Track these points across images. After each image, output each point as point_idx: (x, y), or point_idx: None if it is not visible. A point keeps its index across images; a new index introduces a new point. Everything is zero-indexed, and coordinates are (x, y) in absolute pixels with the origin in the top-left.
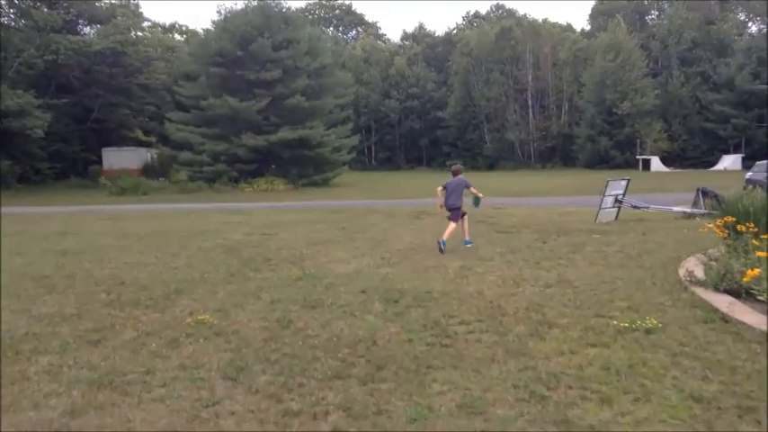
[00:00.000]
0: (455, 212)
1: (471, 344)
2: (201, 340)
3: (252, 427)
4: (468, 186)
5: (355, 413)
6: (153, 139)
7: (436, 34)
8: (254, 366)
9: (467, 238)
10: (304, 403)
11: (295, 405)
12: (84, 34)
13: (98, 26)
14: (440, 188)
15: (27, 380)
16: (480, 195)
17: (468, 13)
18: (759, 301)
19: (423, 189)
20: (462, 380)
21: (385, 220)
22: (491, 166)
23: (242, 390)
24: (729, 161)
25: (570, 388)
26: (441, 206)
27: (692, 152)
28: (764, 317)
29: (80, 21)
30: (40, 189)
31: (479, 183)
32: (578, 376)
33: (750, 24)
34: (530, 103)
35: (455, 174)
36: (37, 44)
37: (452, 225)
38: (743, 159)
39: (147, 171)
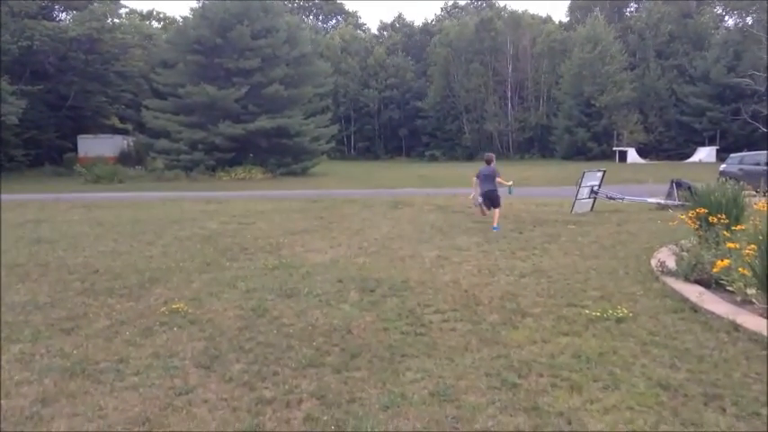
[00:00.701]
0: (494, 197)
1: (445, 332)
2: (176, 329)
3: (225, 414)
4: (495, 176)
5: (329, 401)
6: (129, 126)
7: (415, 24)
8: (228, 355)
9: (495, 224)
10: (277, 391)
11: (268, 393)
12: (60, 20)
13: (74, 12)
14: (474, 178)
15: None
16: (509, 184)
17: (446, 3)
18: (728, 291)
19: (401, 179)
20: (436, 368)
21: (363, 209)
22: (470, 156)
23: (216, 378)
24: (704, 153)
25: (541, 376)
26: (474, 196)
27: (668, 144)
28: (732, 306)
29: (56, 7)
30: (14, 176)
31: (459, 173)
32: (549, 364)
33: (726, 18)
34: (509, 94)
35: (488, 162)
36: (11, 30)
37: (497, 211)
38: (717, 152)
39: (124, 159)
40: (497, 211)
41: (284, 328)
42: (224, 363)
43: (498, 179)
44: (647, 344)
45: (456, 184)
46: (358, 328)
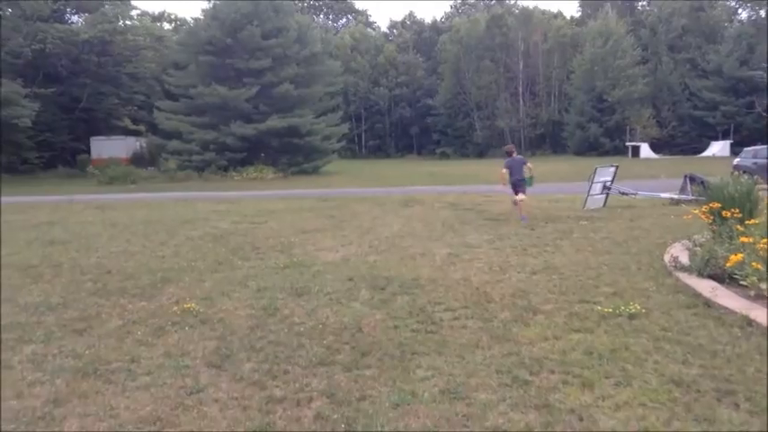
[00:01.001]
0: (522, 186)
1: (456, 330)
2: (187, 328)
3: (235, 414)
4: (525, 163)
5: (338, 399)
6: (142, 127)
7: (425, 22)
8: (239, 354)
9: (523, 214)
10: (288, 390)
11: (279, 392)
12: (72, 23)
13: (86, 15)
14: (504, 170)
15: (10, 369)
16: (532, 170)
17: (456, 1)
18: (741, 285)
19: (412, 177)
20: (446, 365)
21: (374, 208)
22: (481, 153)
23: (226, 377)
24: (718, 147)
25: (552, 373)
26: (504, 184)
27: (682, 139)
28: (745, 301)
29: (68, 9)
30: (28, 179)
31: (470, 170)
32: (561, 361)
33: (739, 11)
34: (520, 90)
35: (510, 154)
36: (24, 33)
37: (522, 197)
38: (731, 146)
39: (136, 160)
40: (523, 197)
41: (295, 327)
42: (235, 362)
43: (529, 165)
44: (659, 340)
45: (467, 181)
46: (368, 327)
